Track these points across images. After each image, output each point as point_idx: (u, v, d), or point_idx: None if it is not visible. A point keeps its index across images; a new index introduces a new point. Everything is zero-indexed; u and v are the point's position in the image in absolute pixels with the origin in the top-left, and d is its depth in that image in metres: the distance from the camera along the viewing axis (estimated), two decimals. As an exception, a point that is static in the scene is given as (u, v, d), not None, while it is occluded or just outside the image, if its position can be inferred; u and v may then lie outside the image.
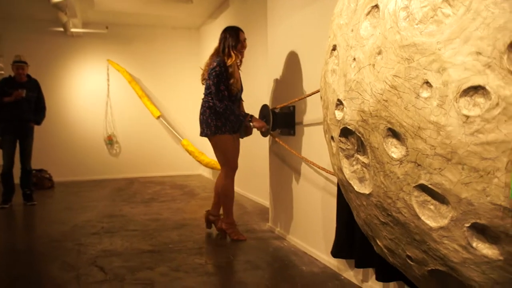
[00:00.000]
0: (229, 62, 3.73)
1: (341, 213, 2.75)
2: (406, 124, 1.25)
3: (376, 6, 1.43)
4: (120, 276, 3.04)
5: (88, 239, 4.03)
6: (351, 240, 2.70)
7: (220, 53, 3.82)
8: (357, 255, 2.64)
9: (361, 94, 1.44)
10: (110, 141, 8.39)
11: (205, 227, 4.30)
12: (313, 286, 2.85)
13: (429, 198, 1.26)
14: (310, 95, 3.26)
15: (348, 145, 1.60)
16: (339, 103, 1.60)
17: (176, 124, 8.70)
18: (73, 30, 7.70)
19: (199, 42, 8.61)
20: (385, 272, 2.39)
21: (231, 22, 6.38)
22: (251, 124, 3.86)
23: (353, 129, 1.51)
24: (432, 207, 1.26)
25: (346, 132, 1.60)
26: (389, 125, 1.33)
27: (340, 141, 1.62)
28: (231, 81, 3.73)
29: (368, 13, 1.48)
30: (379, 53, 1.37)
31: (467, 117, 1.10)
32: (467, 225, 1.16)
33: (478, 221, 1.13)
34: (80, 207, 5.60)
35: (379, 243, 1.62)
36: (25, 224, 4.96)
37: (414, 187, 1.28)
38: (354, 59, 1.49)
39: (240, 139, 4.04)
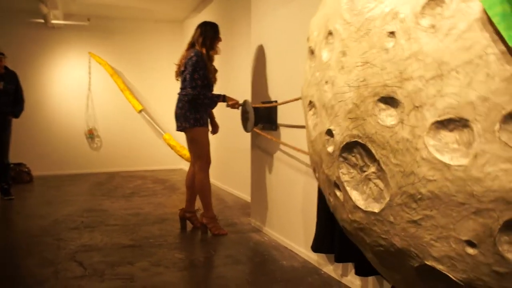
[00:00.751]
0: (212, 53, 3.89)
1: (321, 209, 2.77)
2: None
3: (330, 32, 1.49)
4: (100, 271, 3.02)
5: (67, 234, 3.99)
6: (331, 235, 2.72)
7: (197, 45, 3.88)
8: (337, 250, 2.67)
9: (342, 102, 1.44)
10: (91, 135, 8.29)
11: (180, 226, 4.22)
12: (293, 281, 2.88)
13: None
14: (292, 100, 3.26)
15: (352, 170, 1.46)
16: (329, 134, 1.54)
17: (158, 118, 8.64)
18: (54, 21, 7.57)
19: (182, 36, 8.55)
20: (364, 266, 2.42)
21: (215, 17, 6.36)
22: (226, 101, 3.97)
23: (351, 140, 1.44)
24: None
25: (347, 151, 1.47)
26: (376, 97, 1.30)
27: (343, 173, 1.49)
28: (209, 74, 3.86)
29: (326, 38, 1.54)
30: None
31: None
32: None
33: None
34: (59, 201, 5.53)
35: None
36: (3, 219, 4.88)
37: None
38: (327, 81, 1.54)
39: (212, 135, 4.18)
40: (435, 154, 1.13)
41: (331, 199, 1.63)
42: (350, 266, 2.76)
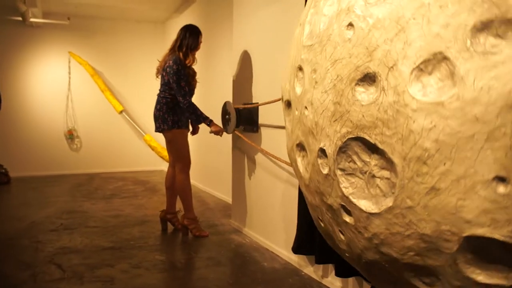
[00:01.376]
0: (187, 62, 3.80)
1: (302, 210, 2.79)
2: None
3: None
4: (79, 274, 2.99)
5: (46, 236, 3.93)
6: (312, 236, 2.75)
7: (176, 50, 3.84)
8: (317, 251, 2.70)
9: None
10: (71, 135, 8.18)
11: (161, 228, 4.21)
12: (274, 282, 2.89)
13: None
14: (273, 101, 3.27)
15: (353, 179, 1.40)
16: (322, 153, 1.51)
17: (139, 119, 8.57)
18: (32, 20, 7.44)
19: (164, 36, 8.51)
20: (344, 268, 2.45)
21: (197, 18, 6.35)
22: (210, 127, 3.97)
23: (342, 141, 1.41)
24: None
25: (342, 159, 1.44)
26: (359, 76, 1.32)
27: (345, 187, 1.42)
28: (188, 78, 3.82)
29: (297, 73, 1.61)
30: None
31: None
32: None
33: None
34: (38, 203, 5.44)
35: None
36: (-21, 221, 4.79)
37: None
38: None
39: (192, 136, 4.19)
40: (425, 99, 1.11)
41: (343, 235, 1.51)
42: (331, 267, 2.79)
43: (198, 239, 3.87)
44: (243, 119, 3.91)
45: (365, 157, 1.33)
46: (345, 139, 1.37)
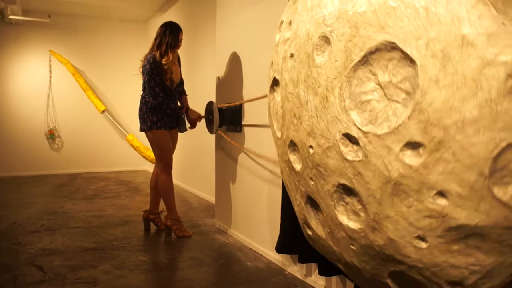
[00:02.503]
0: (164, 61, 3.72)
1: (285, 210, 2.81)
2: None
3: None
4: (61, 275, 2.95)
5: (26, 237, 3.87)
6: (295, 236, 2.76)
7: (154, 48, 3.79)
8: (301, 250, 2.71)
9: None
10: (52, 135, 8.07)
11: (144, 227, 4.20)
12: (258, 281, 2.90)
13: None
14: (259, 98, 3.28)
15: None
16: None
17: (122, 118, 8.50)
18: (12, 17, 7.31)
19: (147, 35, 8.44)
20: (327, 266, 2.47)
21: (180, 17, 6.32)
22: (187, 116, 3.96)
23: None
24: None
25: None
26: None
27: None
28: (167, 76, 3.75)
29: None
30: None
31: None
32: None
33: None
34: (18, 204, 5.36)
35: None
36: (-43, 222, 4.70)
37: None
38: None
39: (181, 133, 4.13)
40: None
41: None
42: (314, 266, 2.81)
43: (181, 239, 3.86)
44: (226, 119, 3.91)
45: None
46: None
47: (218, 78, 4.24)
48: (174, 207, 3.97)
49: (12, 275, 2.96)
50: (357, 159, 1.28)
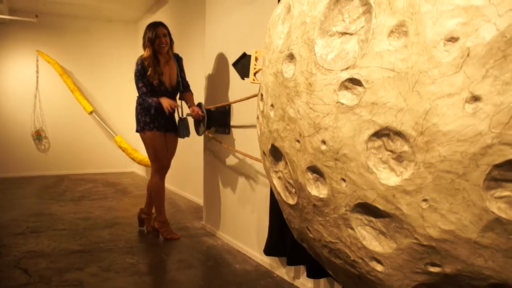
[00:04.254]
0: (144, 55, 3.76)
1: (273, 212, 2.81)
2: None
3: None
4: (46, 278, 2.92)
5: (11, 239, 3.82)
6: (283, 238, 2.76)
7: (143, 50, 3.86)
8: (289, 253, 2.71)
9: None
10: (38, 136, 7.98)
11: (137, 225, 4.26)
12: (246, 284, 2.89)
13: None
14: (248, 98, 3.27)
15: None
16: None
17: (110, 120, 8.44)
18: (-2, 16, 7.24)
19: (136, 36, 8.39)
20: (315, 269, 2.48)
21: (169, 18, 6.30)
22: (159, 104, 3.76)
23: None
24: None
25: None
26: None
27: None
28: (148, 73, 3.74)
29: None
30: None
31: None
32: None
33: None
34: (3, 205, 5.29)
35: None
36: None
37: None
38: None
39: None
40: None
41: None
42: (302, 268, 2.81)
43: (170, 242, 3.83)
44: (214, 120, 3.89)
45: None
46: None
47: (207, 79, 4.23)
48: (163, 210, 3.96)
49: (-3, 278, 2.92)
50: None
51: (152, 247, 3.73)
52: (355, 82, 1.16)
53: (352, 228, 1.26)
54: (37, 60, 7.94)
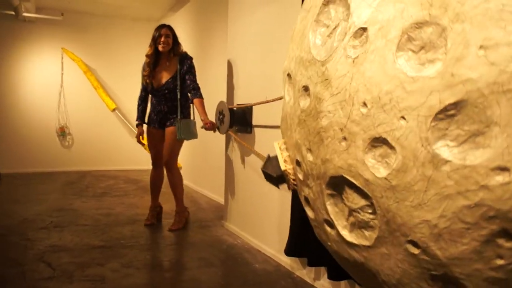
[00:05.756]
0: (146, 53, 4.15)
1: (295, 212, 2.78)
2: None
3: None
4: (69, 272, 2.95)
5: (36, 233, 3.89)
6: (304, 239, 2.73)
7: None
8: (310, 254, 2.69)
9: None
10: (63, 132, 8.11)
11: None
12: (266, 284, 2.88)
13: None
14: (267, 102, 3.26)
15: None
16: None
17: (132, 117, 8.49)
18: (25, 14, 7.37)
19: (159, 35, 8.46)
20: (336, 271, 2.45)
21: (192, 16, 6.33)
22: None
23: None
24: None
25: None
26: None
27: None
28: (143, 76, 4.23)
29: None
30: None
31: None
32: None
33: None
34: (28, 200, 5.39)
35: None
36: (-32, 217, 4.73)
37: None
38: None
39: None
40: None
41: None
42: (323, 270, 2.78)
43: (190, 240, 3.85)
44: (237, 119, 3.89)
45: None
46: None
47: (229, 78, 4.23)
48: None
49: (21, 270, 2.97)
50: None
51: (172, 245, 3.74)
52: None
53: None
54: (62, 58, 8.07)
